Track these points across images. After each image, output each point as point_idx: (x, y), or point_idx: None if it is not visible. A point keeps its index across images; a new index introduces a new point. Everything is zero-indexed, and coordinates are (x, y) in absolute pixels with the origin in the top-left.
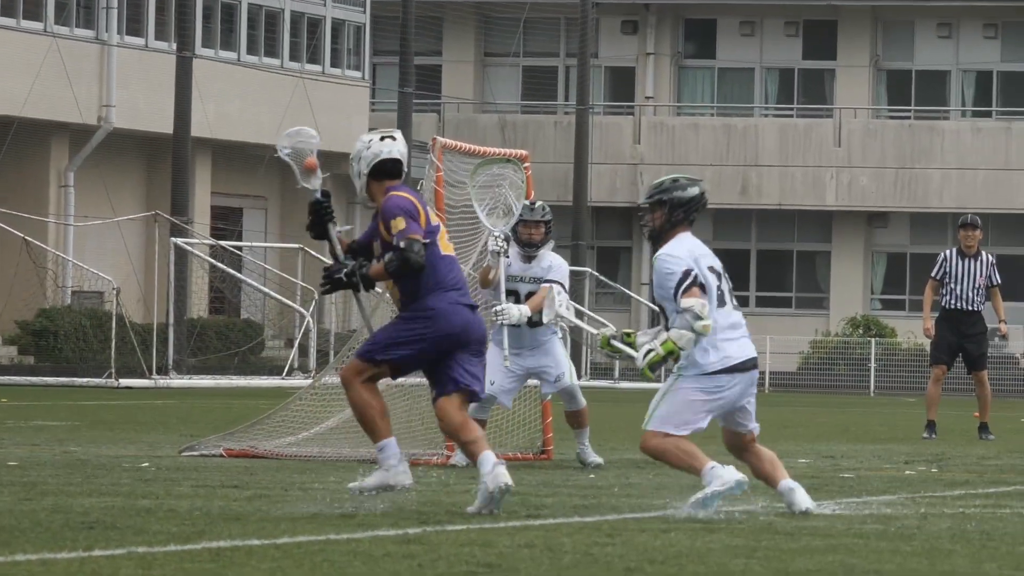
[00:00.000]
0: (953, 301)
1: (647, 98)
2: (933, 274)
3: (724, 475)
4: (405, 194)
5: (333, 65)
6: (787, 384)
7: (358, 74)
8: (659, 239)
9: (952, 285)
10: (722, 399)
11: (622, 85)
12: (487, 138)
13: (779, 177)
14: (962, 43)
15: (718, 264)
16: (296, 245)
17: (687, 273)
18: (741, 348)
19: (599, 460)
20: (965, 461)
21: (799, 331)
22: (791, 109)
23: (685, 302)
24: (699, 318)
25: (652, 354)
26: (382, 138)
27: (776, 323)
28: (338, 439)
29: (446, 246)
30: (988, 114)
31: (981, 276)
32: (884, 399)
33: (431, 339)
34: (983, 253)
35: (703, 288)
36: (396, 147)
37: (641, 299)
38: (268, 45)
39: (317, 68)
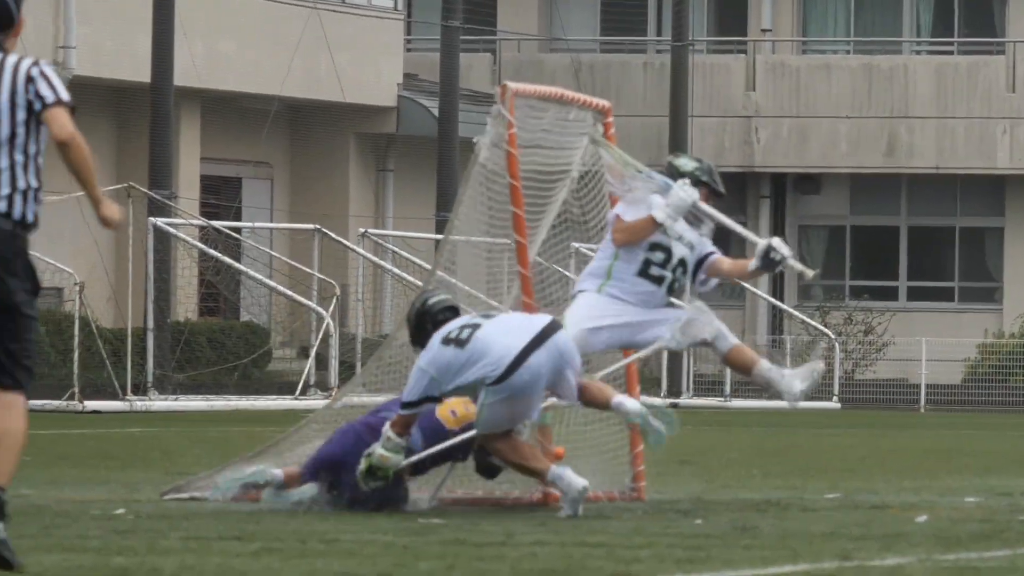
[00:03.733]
0: None
1: (763, 31)
2: None
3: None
4: None
5: None
6: (950, 401)
7: (389, 3)
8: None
9: None
10: (522, 395)
11: (731, 15)
12: (556, 85)
13: (936, 133)
14: None
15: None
16: (311, 225)
17: (411, 404)
18: (507, 347)
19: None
20: None
21: (964, 332)
22: (951, 43)
23: (388, 431)
24: (385, 458)
25: (364, 461)
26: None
27: (934, 322)
28: None
29: None
30: None
31: None
32: None
33: None
34: None
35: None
36: None
37: (758, 292)
38: None
39: None
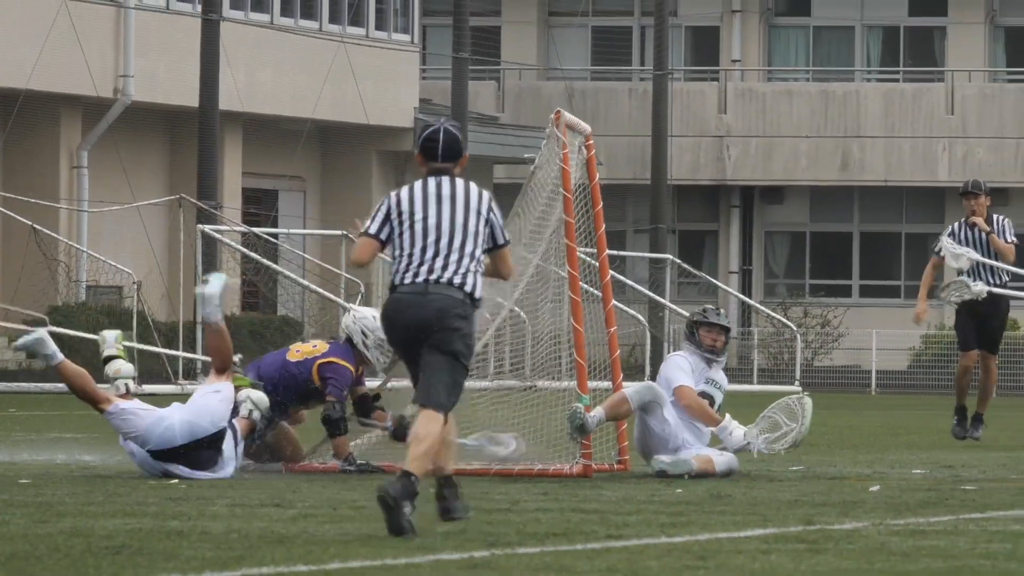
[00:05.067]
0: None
1: (734, 61)
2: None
3: None
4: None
5: (378, 28)
6: (897, 384)
7: (406, 37)
8: None
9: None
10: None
11: (705, 47)
12: (552, 109)
13: (884, 150)
14: None
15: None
16: (338, 232)
17: None
18: None
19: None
20: None
21: (909, 325)
22: (897, 72)
23: None
24: None
25: None
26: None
27: (883, 316)
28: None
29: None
30: None
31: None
32: (1008, 400)
33: None
34: (996, 220)
35: None
36: None
37: (729, 289)
38: (305, 5)
39: (360, 31)
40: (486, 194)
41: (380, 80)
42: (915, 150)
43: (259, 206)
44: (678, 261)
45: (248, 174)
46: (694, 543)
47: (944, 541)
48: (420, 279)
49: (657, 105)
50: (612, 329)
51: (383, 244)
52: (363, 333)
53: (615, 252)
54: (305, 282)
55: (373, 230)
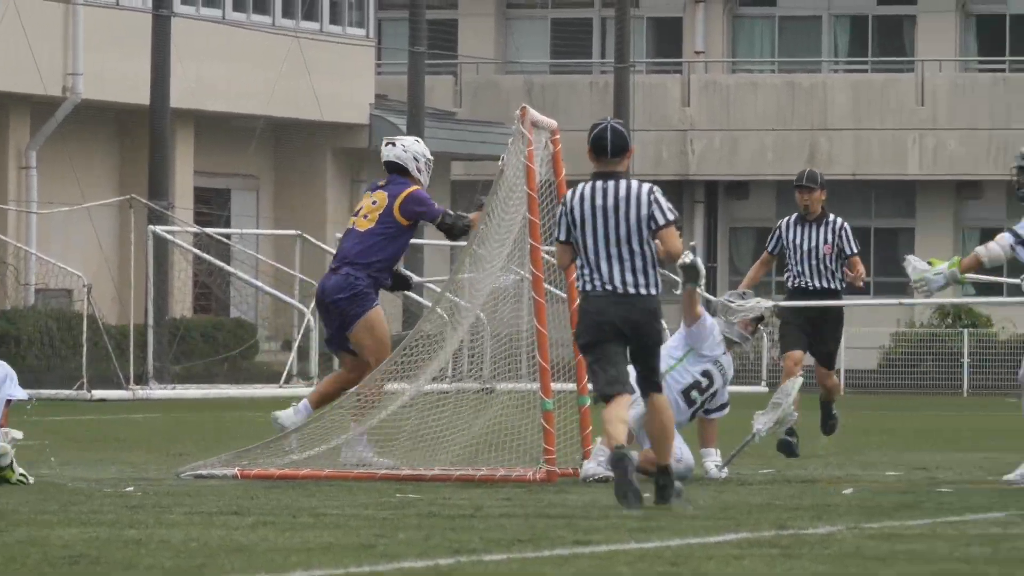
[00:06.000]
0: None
1: (697, 53)
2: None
3: None
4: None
5: (332, 22)
6: (866, 384)
7: (361, 32)
8: None
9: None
10: None
11: (668, 38)
12: (511, 103)
13: (853, 143)
14: None
15: None
16: (293, 232)
17: None
18: None
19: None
20: None
21: (878, 322)
22: (865, 63)
23: None
24: None
25: None
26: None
27: (852, 313)
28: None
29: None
30: None
31: (827, 245)
32: (980, 399)
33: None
34: (835, 224)
35: None
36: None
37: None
38: (257, 0)
39: (314, 26)
40: (645, 187)
41: (335, 76)
42: (884, 143)
43: (211, 206)
44: None
45: (200, 173)
46: (665, 549)
47: (921, 545)
48: (610, 287)
49: (618, 99)
50: None
51: (575, 245)
52: (416, 159)
53: None
54: (258, 283)
55: (563, 237)
